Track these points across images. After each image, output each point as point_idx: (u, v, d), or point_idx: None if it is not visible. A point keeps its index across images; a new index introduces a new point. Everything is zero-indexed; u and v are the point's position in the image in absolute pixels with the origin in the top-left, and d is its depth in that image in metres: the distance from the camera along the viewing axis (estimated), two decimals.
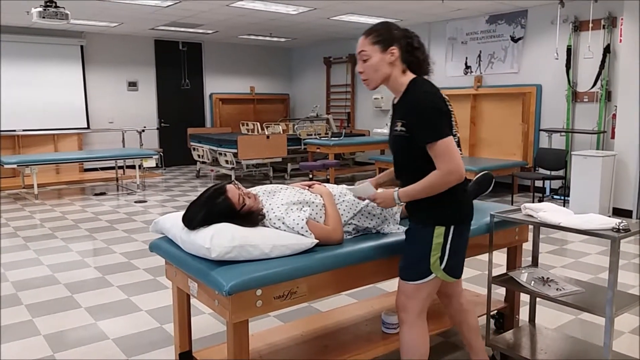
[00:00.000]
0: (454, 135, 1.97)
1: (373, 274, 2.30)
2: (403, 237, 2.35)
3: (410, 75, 1.98)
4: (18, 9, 7.18)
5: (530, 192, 7.30)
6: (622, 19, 6.12)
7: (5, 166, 7.23)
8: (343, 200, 2.40)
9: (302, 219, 2.13)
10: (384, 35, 1.94)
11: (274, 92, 12.28)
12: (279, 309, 2.03)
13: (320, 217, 2.26)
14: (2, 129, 8.81)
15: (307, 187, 2.41)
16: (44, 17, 6.12)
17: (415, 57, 1.98)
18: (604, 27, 6.48)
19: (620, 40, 6.21)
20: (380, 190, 2.38)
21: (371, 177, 2.52)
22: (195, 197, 2.19)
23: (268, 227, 2.17)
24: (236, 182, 2.27)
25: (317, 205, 2.28)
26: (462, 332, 2.42)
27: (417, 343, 2.10)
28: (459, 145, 2.13)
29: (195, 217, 2.09)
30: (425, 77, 2.03)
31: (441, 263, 2.01)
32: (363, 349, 2.46)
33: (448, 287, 2.33)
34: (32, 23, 7.92)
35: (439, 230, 1.99)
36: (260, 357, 2.41)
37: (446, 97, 2.00)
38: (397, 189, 2.03)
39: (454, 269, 2.06)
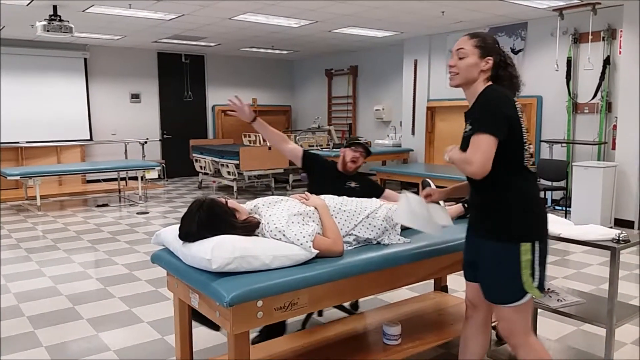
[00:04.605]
0: (524, 144, 1.94)
1: (374, 285, 2.31)
2: (404, 247, 2.37)
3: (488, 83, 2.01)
4: (23, 22, 7.26)
5: None
6: (621, 30, 6.16)
7: (9, 178, 7.26)
8: (344, 211, 2.41)
9: (310, 235, 2.11)
10: (487, 43, 1.99)
11: (276, 103, 12.34)
12: (280, 320, 2.03)
13: (320, 230, 2.27)
14: (5, 141, 8.86)
15: (304, 199, 2.41)
16: (48, 31, 6.20)
17: (507, 72, 2.01)
18: (603, 39, 6.51)
19: (620, 52, 6.24)
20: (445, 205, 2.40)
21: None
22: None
23: (268, 238, 2.18)
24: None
25: (317, 218, 2.29)
26: (467, 351, 2.25)
27: None
28: (531, 156, 2.06)
29: (191, 228, 2.10)
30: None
31: (534, 280, 1.94)
32: None
33: (474, 297, 2.20)
34: (36, 36, 8.00)
35: (525, 247, 1.91)
36: None
37: (519, 105, 1.97)
38: (455, 147, 1.97)
39: (543, 284, 1.99)
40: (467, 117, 2.02)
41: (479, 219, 2.04)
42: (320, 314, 3.37)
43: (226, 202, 2.20)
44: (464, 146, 1.95)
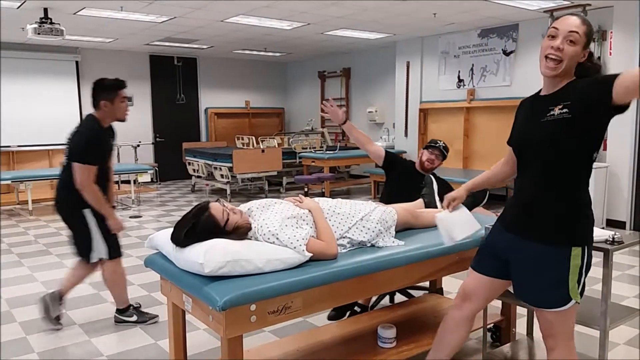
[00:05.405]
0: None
1: (368, 288, 2.30)
2: (398, 250, 2.36)
3: None
4: (13, 25, 7.20)
5: None
6: (611, 32, 6.21)
7: (0, 182, 7.20)
8: (338, 213, 2.40)
9: (303, 238, 2.10)
10: (592, 33, 1.81)
11: (269, 106, 12.32)
12: (274, 324, 2.02)
13: (314, 233, 2.26)
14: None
15: (297, 202, 2.40)
16: (39, 34, 6.16)
17: (592, 63, 1.85)
18: (594, 40, 6.55)
19: (610, 53, 6.28)
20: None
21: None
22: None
23: (261, 241, 2.17)
24: (221, 199, 2.29)
25: (311, 221, 2.28)
26: (442, 342, 2.17)
27: None
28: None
29: (181, 236, 2.10)
30: None
31: (579, 286, 1.87)
32: None
33: (475, 289, 2.11)
34: (27, 39, 7.95)
35: (576, 251, 1.82)
36: None
37: None
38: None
39: (584, 291, 1.92)
40: (550, 101, 1.81)
41: (528, 216, 1.90)
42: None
43: (227, 221, 2.16)
44: (548, 133, 1.78)
